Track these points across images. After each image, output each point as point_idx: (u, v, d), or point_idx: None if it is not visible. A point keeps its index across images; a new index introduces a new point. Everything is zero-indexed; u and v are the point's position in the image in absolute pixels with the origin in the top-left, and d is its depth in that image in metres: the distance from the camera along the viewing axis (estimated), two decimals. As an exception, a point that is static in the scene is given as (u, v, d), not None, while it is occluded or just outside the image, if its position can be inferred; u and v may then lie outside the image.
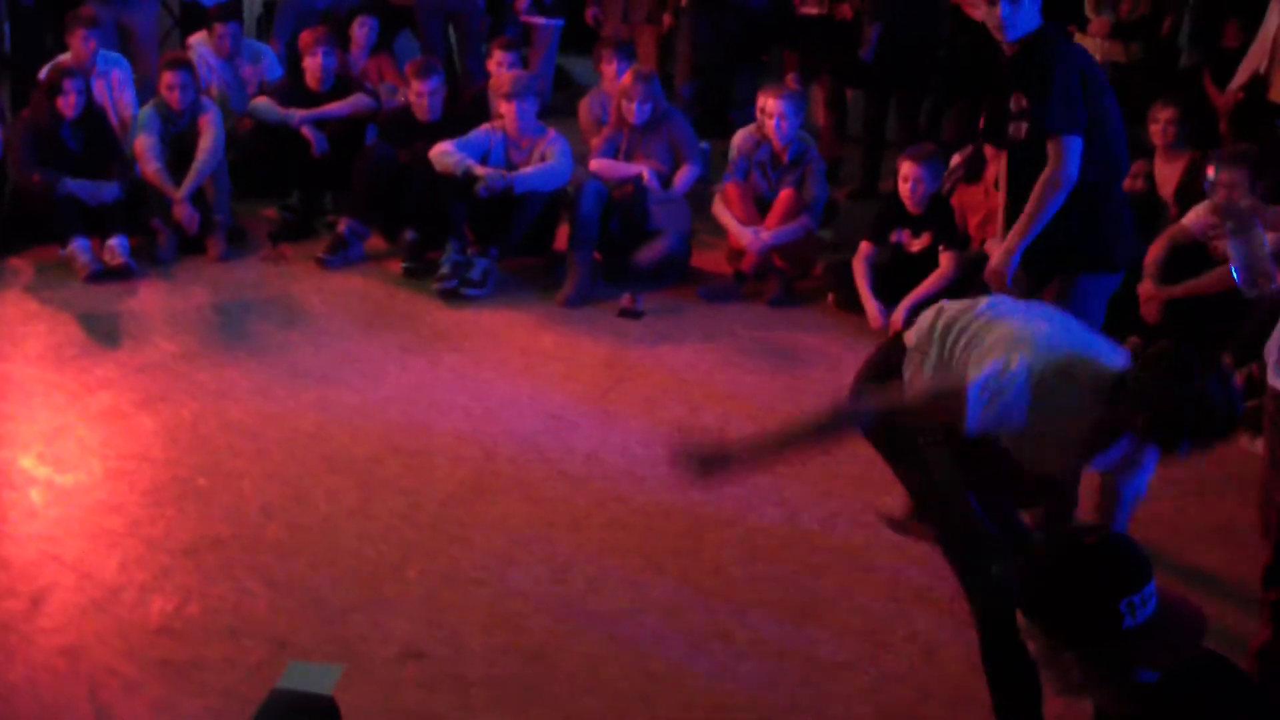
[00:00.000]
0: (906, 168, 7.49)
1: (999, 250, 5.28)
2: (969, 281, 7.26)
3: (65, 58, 8.80)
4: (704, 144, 8.82)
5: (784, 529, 5.40)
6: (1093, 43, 9.12)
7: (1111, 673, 2.81)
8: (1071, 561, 2.83)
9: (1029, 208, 5.14)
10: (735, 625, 4.77)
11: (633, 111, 8.22)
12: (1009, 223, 5.33)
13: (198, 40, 9.64)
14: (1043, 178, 5.08)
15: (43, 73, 8.82)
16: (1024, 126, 5.19)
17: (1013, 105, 5.22)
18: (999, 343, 3.85)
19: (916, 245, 7.51)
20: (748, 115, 9.09)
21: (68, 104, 8.15)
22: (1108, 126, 5.21)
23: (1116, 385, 3.71)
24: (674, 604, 4.89)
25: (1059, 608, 2.79)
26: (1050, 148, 5.07)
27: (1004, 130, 5.34)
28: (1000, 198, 5.58)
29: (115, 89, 9.01)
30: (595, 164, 8.26)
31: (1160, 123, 7.66)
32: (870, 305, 7.48)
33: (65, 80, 8.17)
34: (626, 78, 8.36)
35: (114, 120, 8.76)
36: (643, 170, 8.13)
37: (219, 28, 9.50)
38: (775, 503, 5.58)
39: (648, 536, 5.32)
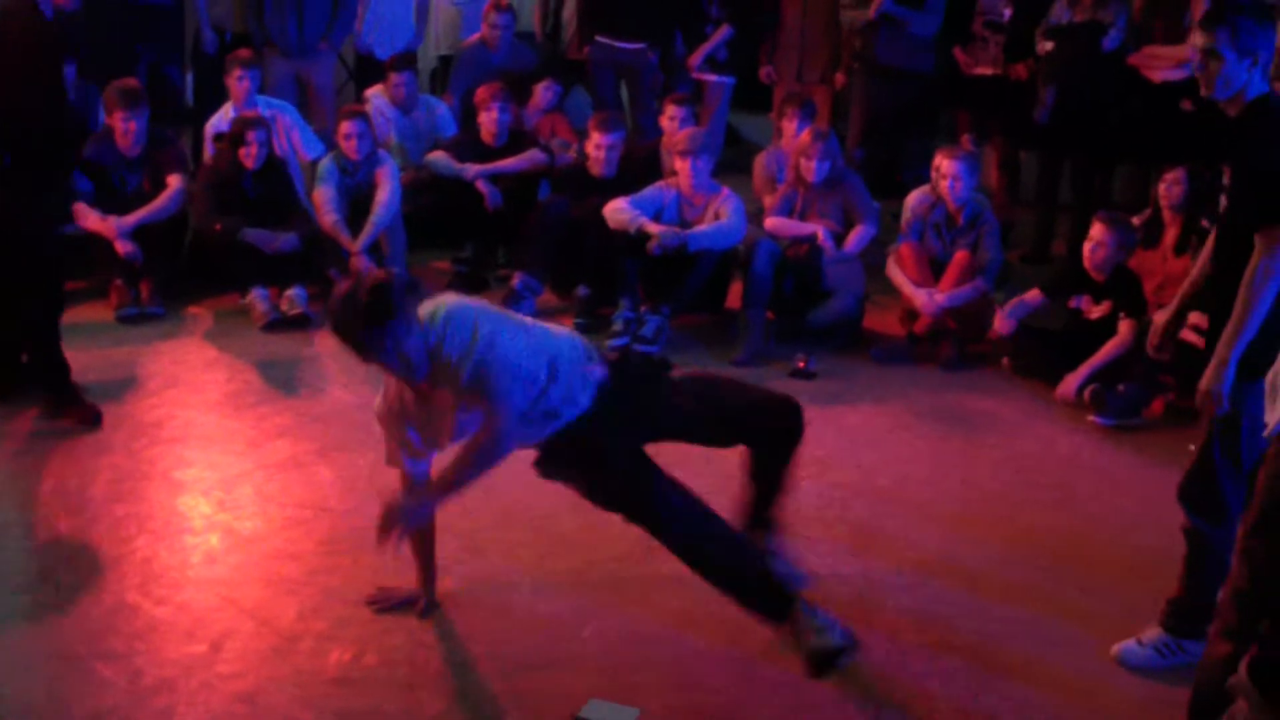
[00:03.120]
0: (1097, 231, 7.35)
1: (1209, 370, 4.52)
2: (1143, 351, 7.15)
3: (244, 110, 9.01)
4: (875, 204, 8.77)
5: (963, 598, 5.30)
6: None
7: None
8: None
9: (1236, 312, 4.45)
10: (912, 692, 4.68)
11: (811, 170, 8.18)
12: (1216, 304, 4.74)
13: (374, 93, 9.80)
14: (1249, 275, 4.42)
15: (212, 124, 9.04)
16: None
17: (1225, 177, 4.70)
18: None
19: (1096, 312, 7.37)
20: (919, 176, 9.04)
21: (249, 154, 8.32)
22: None
23: None
24: (851, 669, 4.80)
25: None
26: (1261, 239, 4.43)
27: (1216, 202, 4.88)
28: (1200, 271, 4.99)
29: (281, 134, 9.18)
30: (770, 222, 8.24)
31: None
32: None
33: (249, 131, 8.34)
34: (805, 136, 8.34)
35: (295, 168, 8.93)
36: (818, 230, 8.09)
37: (394, 77, 9.66)
38: (953, 570, 5.50)
39: (821, 601, 5.21)
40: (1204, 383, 4.53)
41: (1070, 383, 7.20)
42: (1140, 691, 4.70)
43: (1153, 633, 4.89)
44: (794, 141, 8.58)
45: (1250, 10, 4.53)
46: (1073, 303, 7.48)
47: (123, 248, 8.09)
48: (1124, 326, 7.27)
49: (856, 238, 8.22)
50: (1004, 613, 5.21)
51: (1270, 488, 3.84)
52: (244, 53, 9.38)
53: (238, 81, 9.05)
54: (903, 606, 5.22)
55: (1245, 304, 4.43)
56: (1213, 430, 4.64)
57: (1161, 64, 9.14)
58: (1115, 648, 4.91)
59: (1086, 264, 7.40)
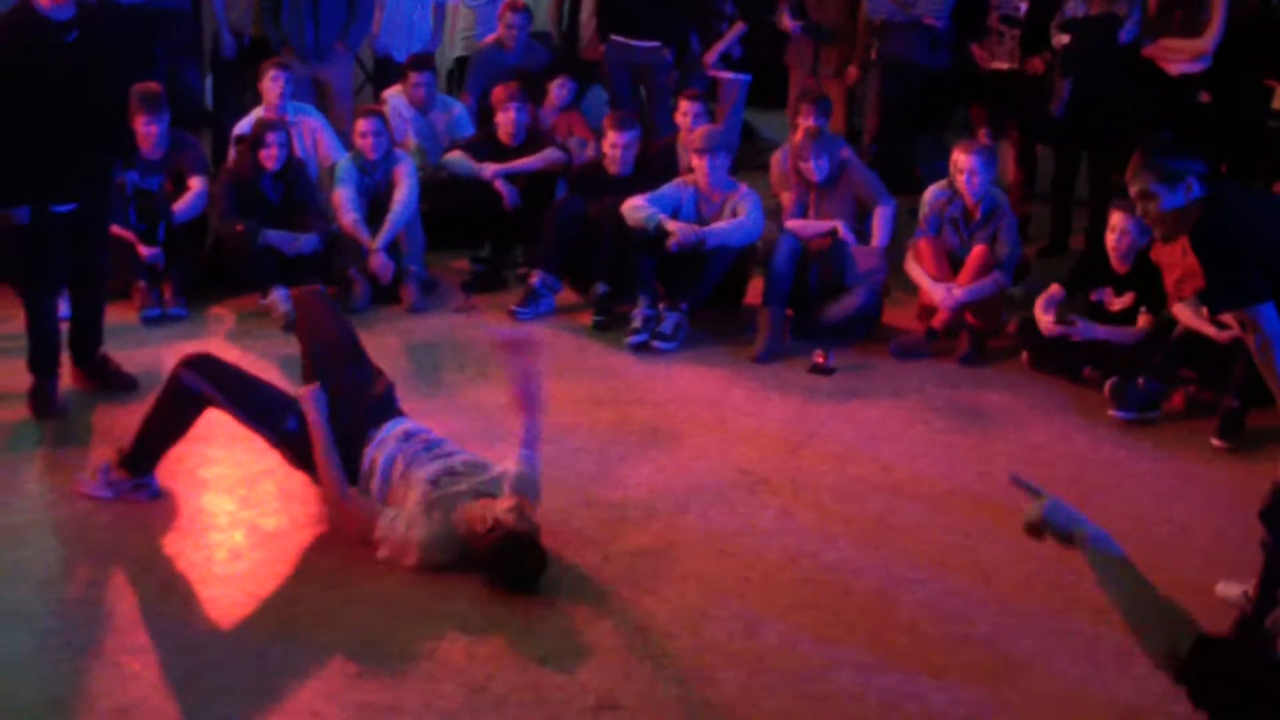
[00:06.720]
0: (1118, 219, 7.37)
1: None
2: (1157, 344, 7.16)
3: (261, 110, 9.09)
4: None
5: (978, 590, 5.33)
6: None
7: None
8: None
9: (1272, 388, 4.70)
10: (929, 687, 4.70)
11: (811, 170, 8.28)
12: None
13: (392, 93, 9.86)
14: (1256, 355, 4.70)
15: (238, 127, 9.08)
16: None
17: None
18: None
19: (1118, 304, 7.40)
20: (935, 171, 9.06)
21: (269, 156, 8.37)
22: None
23: None
24: (866, 662, 4.84)
25: None
26: (1242, 318, 4.71)
27: None
28: None
29: (306, 136, 9.24)
30: (790, 225, 8.28)
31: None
32: (1042, 319, 7.51)
33: (268, 133, 8.39)
34: (798, 137, 8.40)
35: (314, 170, 8.98)
36: (837, 225, 8.14)
37: (413, 77, 9.71)
38: (969, 563, 5.53)
39: (840, 594, 5.29)
40: None
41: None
42: (1157, 685, 4.72)
43: None
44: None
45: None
46: (1094, 296, 7.50)
47: (145, 250, 8.15)
48: (1143, 320, 7.30)
49: (881, 222, 8.31)
50: (1020, 606, 5.25)
51: None
52: (279, 57, 9.46)
53: (272, 82, 9.10)
54: (920, 600, 5.26)
55: (1273, 378, 4.64)
56: None
57: (1177, 56, 9.17)
58: None
59: (1111, 254, 7.41)
